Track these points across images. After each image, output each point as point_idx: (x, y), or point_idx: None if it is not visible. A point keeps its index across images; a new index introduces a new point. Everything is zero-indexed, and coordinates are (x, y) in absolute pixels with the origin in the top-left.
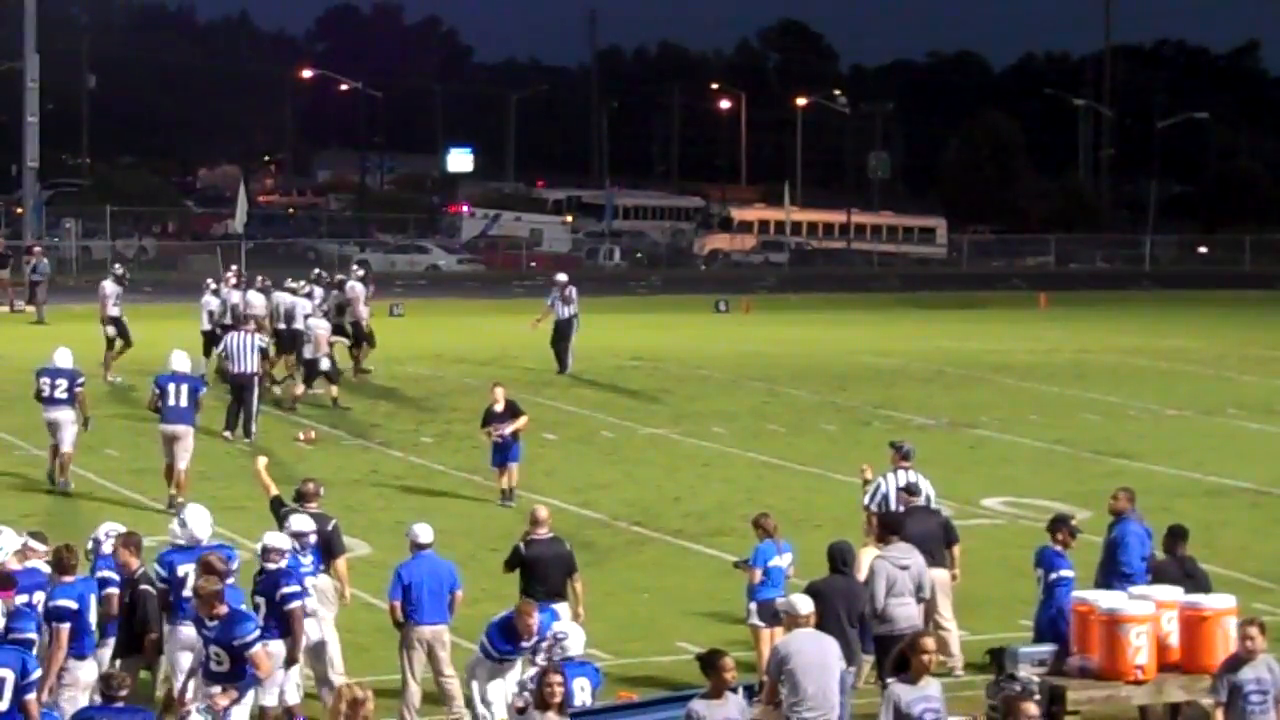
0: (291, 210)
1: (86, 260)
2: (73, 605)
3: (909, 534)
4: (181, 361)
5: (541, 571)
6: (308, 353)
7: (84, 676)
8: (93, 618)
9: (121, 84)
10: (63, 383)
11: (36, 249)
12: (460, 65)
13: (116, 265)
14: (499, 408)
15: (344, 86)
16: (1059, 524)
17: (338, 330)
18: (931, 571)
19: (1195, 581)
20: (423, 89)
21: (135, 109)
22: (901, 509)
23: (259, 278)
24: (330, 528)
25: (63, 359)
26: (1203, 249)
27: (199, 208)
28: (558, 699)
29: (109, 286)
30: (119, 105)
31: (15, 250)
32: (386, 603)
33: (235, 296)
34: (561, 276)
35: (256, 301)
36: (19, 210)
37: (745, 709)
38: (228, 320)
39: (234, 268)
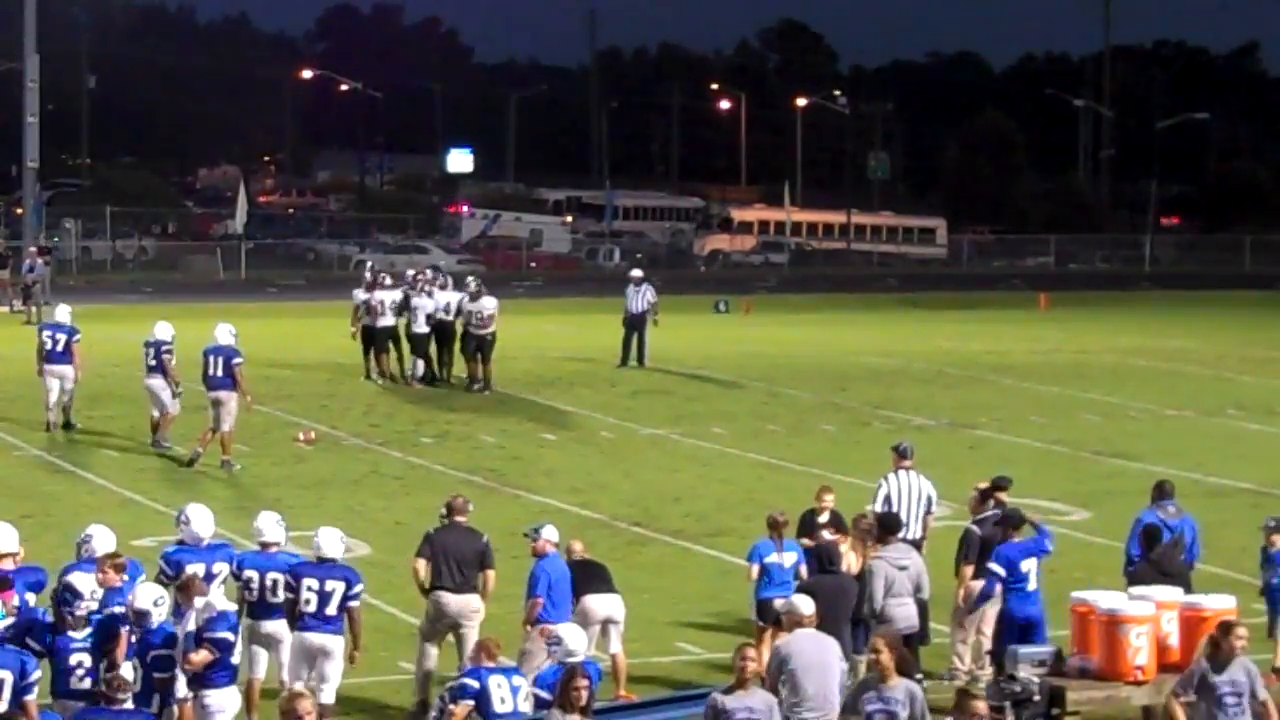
0: (291, 210)
1: (86, 260)
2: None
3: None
4: (225, 335)
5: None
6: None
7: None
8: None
9: (121, 84)
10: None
11: (32, 249)
12: (460, 65)
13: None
14: (823, 519)
15: (344, 86)
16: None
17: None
18: None
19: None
20: (423, 89)
21: (135, 109)
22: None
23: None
24: (484, 543)
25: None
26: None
27: (199, 208)
28: (583, 701)
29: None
30: (119, 105)
31: (15, 251)
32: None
33: (443, 298)
34: (636, 273)
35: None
36: (19, 210)
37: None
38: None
39: (427, 271)
